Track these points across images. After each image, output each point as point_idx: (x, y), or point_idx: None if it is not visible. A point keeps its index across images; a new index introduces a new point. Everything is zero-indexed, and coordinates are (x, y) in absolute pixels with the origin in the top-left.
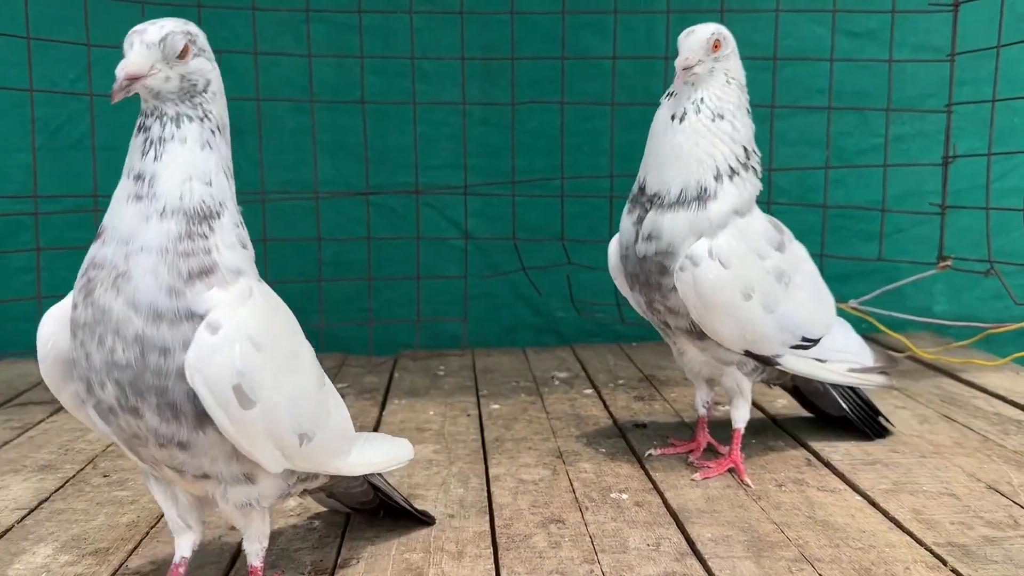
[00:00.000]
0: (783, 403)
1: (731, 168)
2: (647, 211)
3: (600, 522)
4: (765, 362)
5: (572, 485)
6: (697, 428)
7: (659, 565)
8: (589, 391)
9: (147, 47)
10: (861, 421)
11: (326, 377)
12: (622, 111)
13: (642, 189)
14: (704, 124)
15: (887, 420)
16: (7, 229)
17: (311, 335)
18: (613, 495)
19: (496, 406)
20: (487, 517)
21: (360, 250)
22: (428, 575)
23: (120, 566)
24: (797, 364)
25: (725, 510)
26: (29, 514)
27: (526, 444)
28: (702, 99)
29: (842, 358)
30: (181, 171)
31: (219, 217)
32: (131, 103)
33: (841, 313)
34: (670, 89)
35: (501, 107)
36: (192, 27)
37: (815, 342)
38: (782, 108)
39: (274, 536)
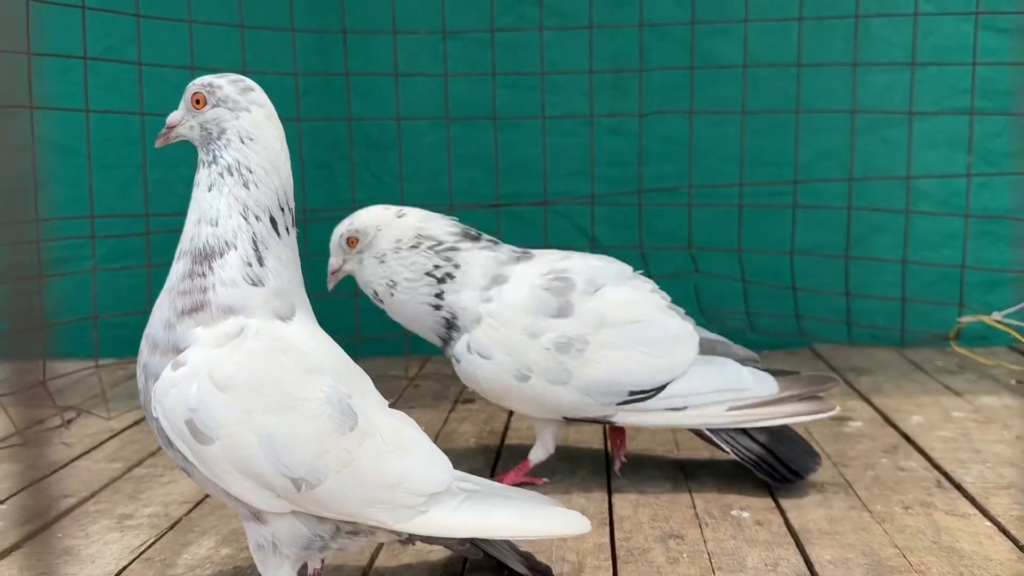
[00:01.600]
0: (918, 420)
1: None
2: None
3: (719, 539)
4: (595, 421)
5: (693, 500)
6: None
7: None
8: None
9: (184, 100)
10: (756, 466)
11: (376, 423)
12: (753, 117)
13: None
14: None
15: (812, 458)
16: (171, 241)
17: None
18: (734, 512)
19: None
20: (607, 529)
21: None
22: None
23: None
24: (637, 418)
25: (847, 532)
26: (194, 508)
27: (649, 456)
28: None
29: (713, 399)
30: (194, 214)
31: (221, 256)
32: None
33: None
34: None
35: (629, 117)
36: (219, 81)
37: (653, 392)
38: (920, 114)
39: (398, 551)
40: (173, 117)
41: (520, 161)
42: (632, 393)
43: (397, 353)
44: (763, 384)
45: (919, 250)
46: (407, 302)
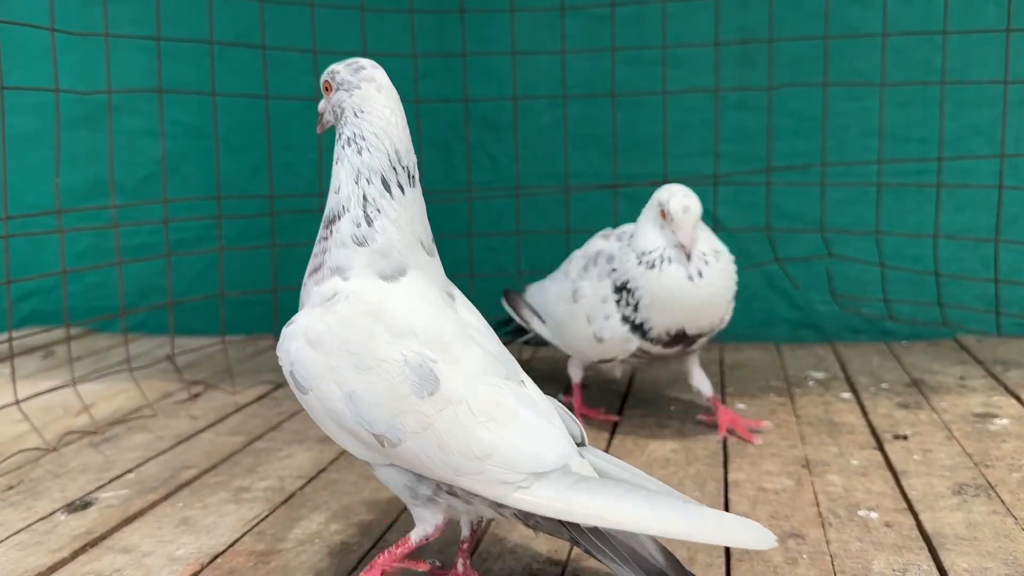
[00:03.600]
0: None
1: None
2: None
3: (844, 541)
4: None
5: (817, 498)
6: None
7: None
8: (847, 395)
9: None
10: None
11: (466, 392)
12: (895, 89)
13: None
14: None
15: None
16: (297, 222)
17: None
18: (861, 512)
19: (742, 406)
20: None
21: None
22: None
23: (379, 538)
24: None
25: (988, 538)
26: (308, 483)
27: (770, 450)
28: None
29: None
30: (331, 186)
31: (339, 219)
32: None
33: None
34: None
35: (758, 91)
36: (338, 66)
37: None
38: None
39: (514, 524)
40: (320, 106)
41: (640, 140)
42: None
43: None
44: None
45: None
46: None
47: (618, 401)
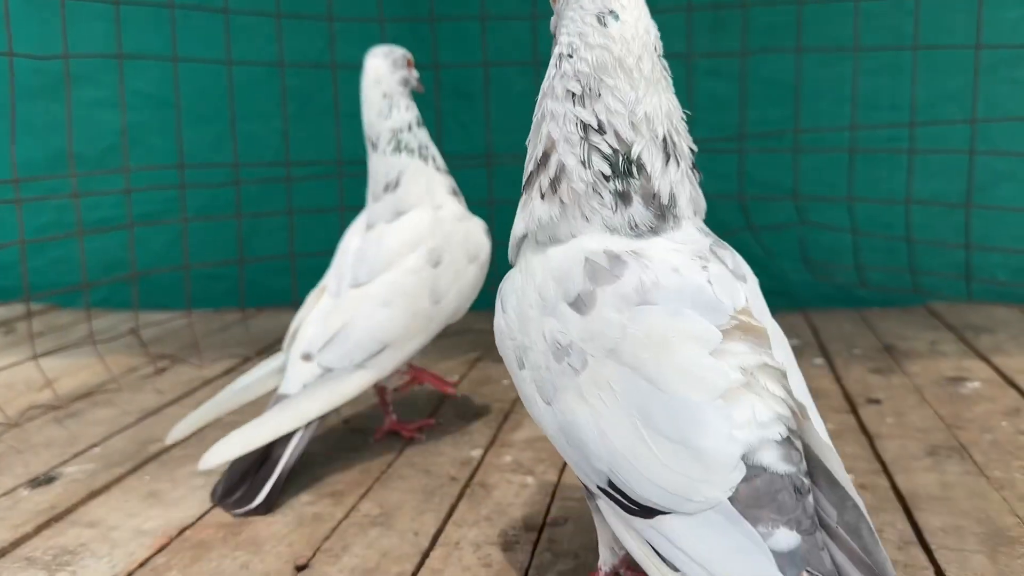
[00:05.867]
0: None
1: None
2: None
3: None
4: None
5: None
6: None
7: None
8: (820, 361)
9: None
10: None
11: None
12: (867, 55)
13: None
14: None
15: None
16: (264, 193)
17: None
18: None
19: None
20: None
21: None
22: None
23: (351, 509)
24: (622, 529)
25: (961, 498)
26: None
27: None
28: None
29: None
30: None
31: None
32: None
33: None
34: None
35: (730, 58)
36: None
37: (638, 509)
38: None
39: (489, 489)
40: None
41: None
42: (611, 484)
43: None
44: None
45: None
46: None
47: None
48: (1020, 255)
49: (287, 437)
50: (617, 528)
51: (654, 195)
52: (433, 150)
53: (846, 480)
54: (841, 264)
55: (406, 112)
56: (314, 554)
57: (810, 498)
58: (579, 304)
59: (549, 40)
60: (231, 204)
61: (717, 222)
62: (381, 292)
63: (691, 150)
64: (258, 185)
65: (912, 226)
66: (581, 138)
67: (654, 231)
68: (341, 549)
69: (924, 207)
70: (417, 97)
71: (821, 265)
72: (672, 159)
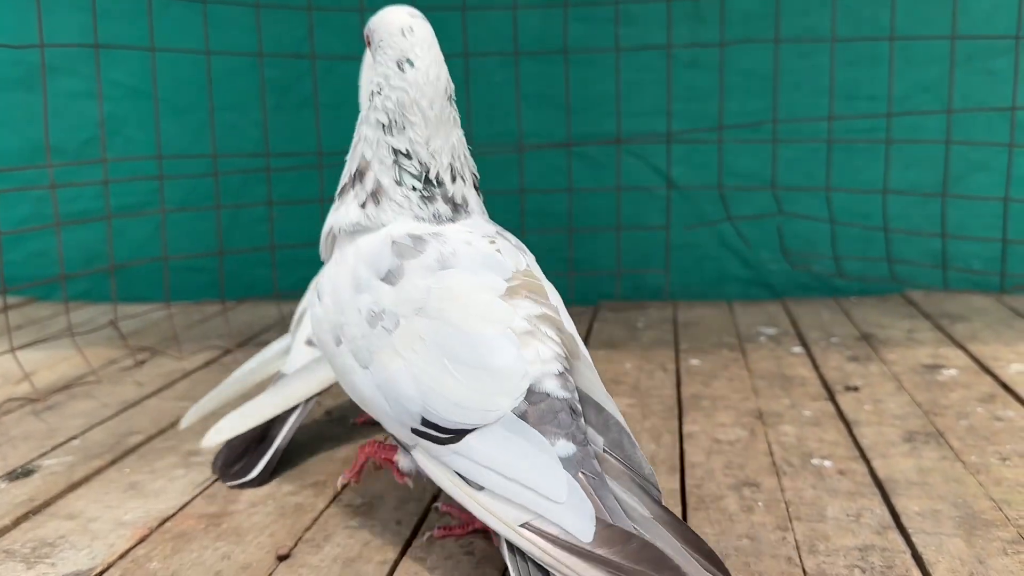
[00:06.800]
0: (1017, 368)
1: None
2: None
3: (798, 488)
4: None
5: (771, 448)
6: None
7: (858, 537)
8: (798, 349)
9: None
10: None
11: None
12: (845, 46)
13: None
14: None
15: None
16: (243, 184)
17: None
18: (815, 461)
19: (696, 361)
20: (678, 475)
21: (562, 201)
22: None
23: (333, 499)
24: (434, 470)
25: (938, 483)
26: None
27: (724, 403)
28: None
29: (509, 495)
30: None
31: None
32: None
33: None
34: None
35: (710, 48)
36: None
37: (449, 436)
38: None
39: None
40: None
41: (593, 98)
42: (425, 423)
43: None
44: (577, 515)
45: (1022, 189)
46: None
47: None
48: (994, 244)
49: (285, 415)
50: (431, 470)
51: (451, 198)
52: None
53: (608, 402)
54: (819, 254)
55: None
56: (296, 544)
57: (582, 420)
58: (389, 277)
59: (530, 31)
60: (210, 195)
61: (698, 213)
62: None
63: (473, 175)
64: (238, 176)
65: (889, 216)
66: (393, 161)
67: (452, 220)
68: (323, 539)
69: (901, 197)
70: None
71: (799, 255)
72: (458, 179)
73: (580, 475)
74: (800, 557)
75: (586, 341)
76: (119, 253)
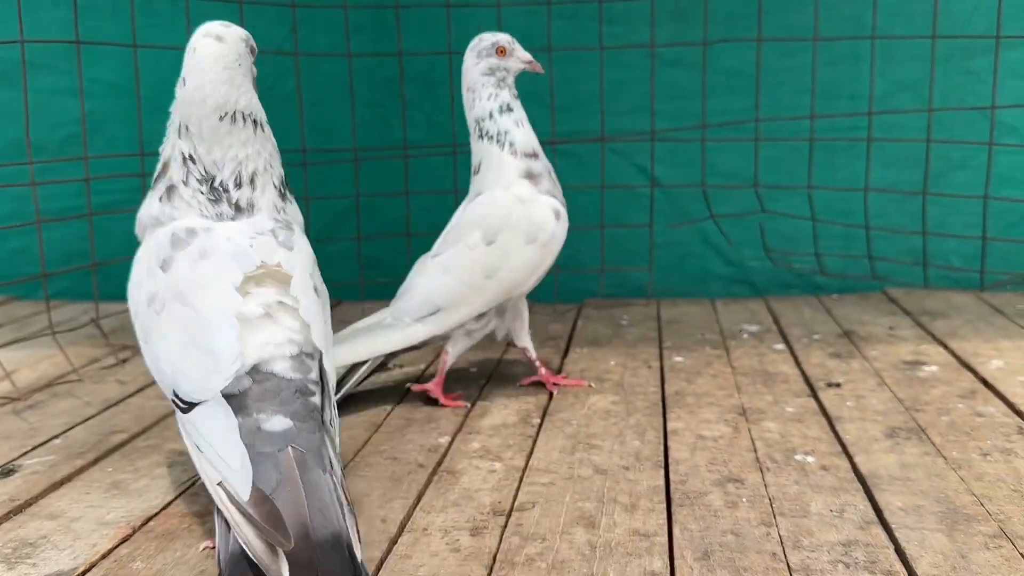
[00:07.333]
0: (997, 364)
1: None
2: None
3: (781, 484)
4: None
5: (754, 444)
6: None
7: (841, 532)
8: (780, 346)
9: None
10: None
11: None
12: (826, 46)
13: None
14: None
15: None
16: None
17: None
18: (798, 457)
19: (679, 359)
20: (662, 471)
21: None
22: (600, 524)
23: None
24: (183, 430)
25: (920, 478)
26: None
27: (708, 399)
28: None
29: (213, 459)
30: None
31: None
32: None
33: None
34: None
35: (693, 47)
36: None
37: (189, 406)
38: (1009, 38)
39: (456, 475)
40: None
41: (577, 97)
42: (175, 394)
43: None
44: (243, 480)
45: (1002, 187)
46: None
47: (557, 360)
48: (974, 241)
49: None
50: (183, 432)
51: (235, 202)
52: (513, 135)
53: (331, 386)
54: (801, 252)
55: (488, 101)
56: None
57: (314, 399)
58: (165, 266)
59: (515, 28)
60: None
61: (680, 211)
62: (443, 262)
63: (274, 183)
64: None
65: (870, 214)
66: (182, 163)
67: (234, 219)
68: None
69: (882, 195)
70: (381, 86)
71: (781, 253)
72: (245, 187)
73: (290, 448)
74: (784, 552)
75: (570, 339)
76: (101, 251)
